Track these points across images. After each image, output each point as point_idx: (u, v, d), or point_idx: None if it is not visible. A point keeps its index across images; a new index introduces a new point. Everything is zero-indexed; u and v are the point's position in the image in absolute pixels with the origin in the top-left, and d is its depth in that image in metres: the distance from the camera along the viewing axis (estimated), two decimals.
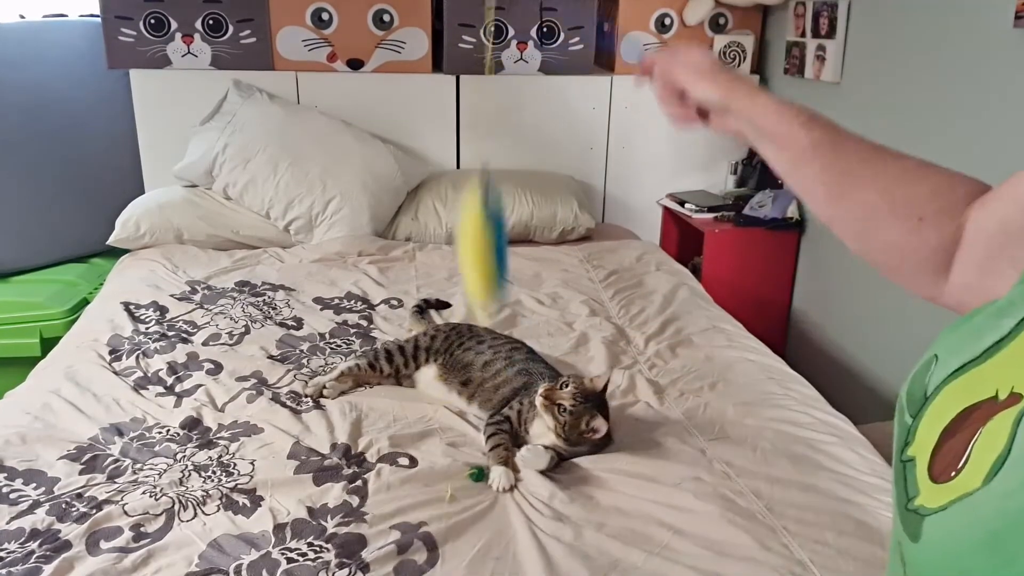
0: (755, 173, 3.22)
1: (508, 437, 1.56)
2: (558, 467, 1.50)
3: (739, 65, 3.18)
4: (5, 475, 1.46)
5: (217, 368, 1.89)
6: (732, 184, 3.30)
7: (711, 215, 3.05)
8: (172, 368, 1.89)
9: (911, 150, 0.69)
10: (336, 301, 2.33)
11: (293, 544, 1.29)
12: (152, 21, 2.91)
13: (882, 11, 2.55)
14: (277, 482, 1.45)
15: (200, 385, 1.81)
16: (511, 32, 3.06)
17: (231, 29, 2.96)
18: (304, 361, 1.95)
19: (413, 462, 1.53)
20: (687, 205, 3.11)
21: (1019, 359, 0.46)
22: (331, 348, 2.03)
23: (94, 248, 2.96)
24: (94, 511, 1.36)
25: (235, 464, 1.52)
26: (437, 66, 3.10)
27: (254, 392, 1.78)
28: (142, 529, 1.33)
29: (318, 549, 1.28)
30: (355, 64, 3.04)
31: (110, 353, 1.96)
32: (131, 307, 2.22)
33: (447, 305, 2.26)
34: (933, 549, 0.46)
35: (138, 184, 3.05)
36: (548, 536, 1.32)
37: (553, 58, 3.11)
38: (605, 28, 3.24)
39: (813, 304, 3.04)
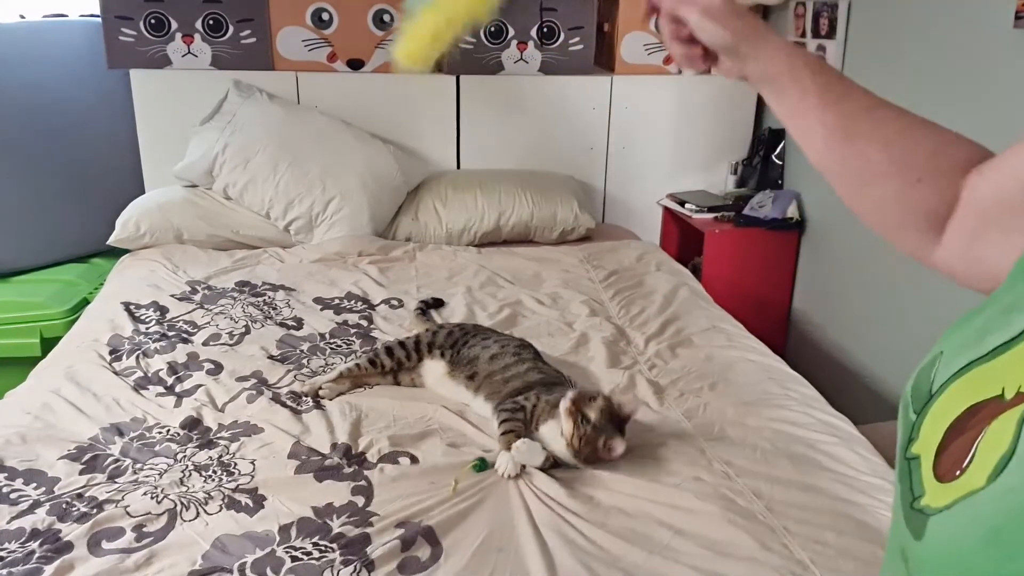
0: (755, 173, 3.23)
1: (521, 426, 1.55)
2: (555, 467, 1.50)
3: None
4: (5, 475, 1.46)
5: (217, 368, 1.89)
6: (732, 184, 3.30)
7: (711, 215, 3.06)
8: (172, 368, 1.89)
9: None
10: (336, 301, 2.33)
11: (298, 543, 1.30)
12: (152, 21, 2.91)
13: (882, 12, 2.55)
14: (278, 482, 1.46)
15: (200, 385, 1.81)
16: (511, 32, 3.06)
17: (231, 29, 2.96)
18: (304, 361, 1.95)
19: (414, 461, 1.53)
20: (687, 205, 3.11)
21: None
22: (331, 348, 2.03)
23: (94, 248, 2.96)
24: (95, 511, 1.36)
25: (235, 464, 1.52)
26: (437, 66, 3.10)
27: (254, 392, 1.78)
28: (144, 529, 1.33)
29: (323, 548, 1.28)
30: (355, 64, 3.05)
31: (110, 353, 1.96)
32: (131, 307, 2.22)
33: (443, 303, 2.28)
34: (937, 547, 0.46)
35: (138, 184, 3.05)
36: (550, 531, 1.32)
37: (553, 58, 3.11)
38: (605, 28, 3.24)
39: (813, 304, 3.04)
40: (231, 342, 2.04)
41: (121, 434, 1.61)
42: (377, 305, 2.31)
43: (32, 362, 2.05)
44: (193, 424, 1.65)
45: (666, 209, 3.28)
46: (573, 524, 1.34)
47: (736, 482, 1.47)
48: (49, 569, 1.22)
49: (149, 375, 1.86)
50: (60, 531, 1.31)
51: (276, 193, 2.77)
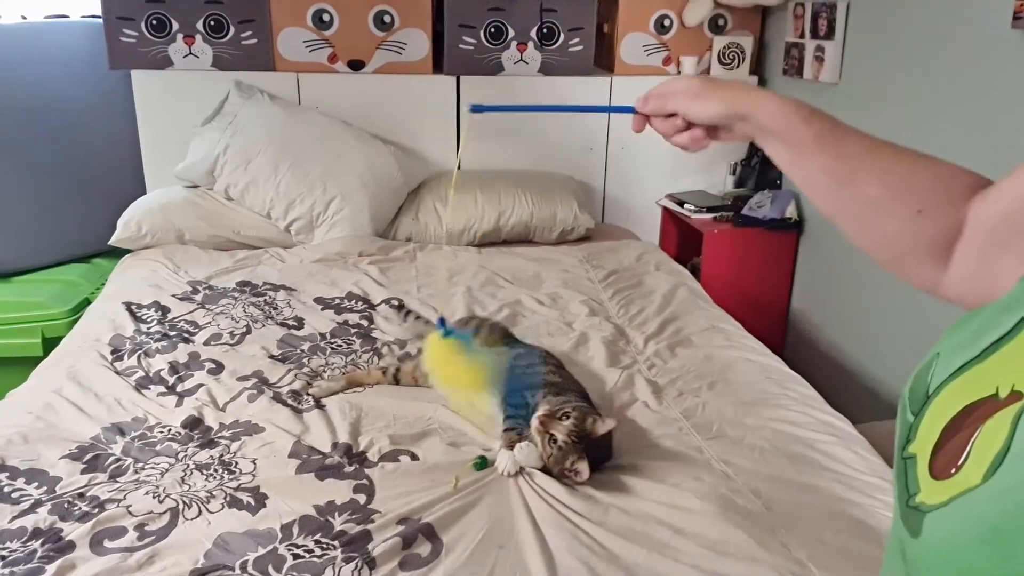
0: (754, 173, 3.23)
1: (524, 423, 1.54)
2: None
3: (738, 66, 3.19)
4: (7, 474, 1.47)
5: (218, 368, 1.90)
6: (731, 184, 3.30)
7: (710, 215, 3.06)
8: (173, 368, 1.89)
9: None
10: (337, 301, 2.33)
11: (299, 540, 1.30)
12: (153, 22, 2.92)
13: (881, 12, 2.55)
14: (279, 480, 1.46)
15: (201, 385, 1.82)
16: (511, 33, 3.07)
17: (232, 30, 2.96)
18: (305, 361, 1.95)
19: (415, 459, 1.54)
20: (686, 205, 3.12)
21: (1019, 357, 0.46)
22: (332, 348, 2.03)
23: (96, 248, 2.97)
24: (96, 510, 1.37)
25: (237, 463, 1.52)
26: (438, 67, 3.11)
27: (255, 392, 1.79)
28: (146, 528, 1.33)
29: (325, 546, 1.29)
30: (356, 65, 3.05)
31: (112, 353, 1.96)
32: (133, 307, 2.23)
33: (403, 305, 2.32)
34: (934, 545, 0.46)
35: (139, 184, 3.05)
36: (550, 528, 1.33)
37: (553, 59, 3.11)
38: (605, 29, 3.25)
39: (812, 304, 3.04)
40: (232, 342, 2.05)
41: (123, 434, 1.62)
42: (378, 305, 2.32)
43: (34, 362, 2.05)
44: (194, 424, 1.66)
45: (665, 209, 3.29)
46: (573, 521, 1.35)
47: (735, 481, 1.48)
48: (51, 568, 1.23)
49: (150, 375, 1.87)
50: (62, 530, 1.32)
51: (277, 193, 2.78)
